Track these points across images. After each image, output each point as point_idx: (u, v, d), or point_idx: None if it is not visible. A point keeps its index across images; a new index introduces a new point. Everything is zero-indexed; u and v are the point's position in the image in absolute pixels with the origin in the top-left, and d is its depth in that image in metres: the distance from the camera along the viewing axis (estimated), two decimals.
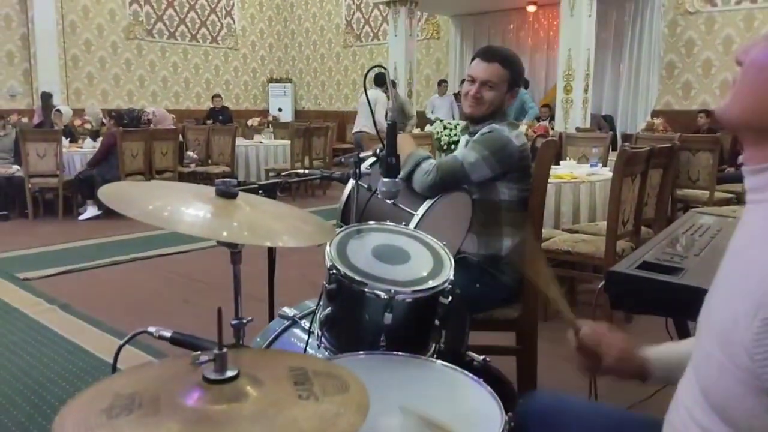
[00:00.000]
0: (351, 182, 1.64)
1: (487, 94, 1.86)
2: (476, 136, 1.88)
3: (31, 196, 5.62)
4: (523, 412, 1.05)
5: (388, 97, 7.44)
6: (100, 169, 5.73)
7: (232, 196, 1.02)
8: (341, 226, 1.45)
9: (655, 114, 7.64)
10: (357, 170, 1.53)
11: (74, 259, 4.21)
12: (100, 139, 6.38)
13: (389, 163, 1.47)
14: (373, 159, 1.67)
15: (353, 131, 7.23)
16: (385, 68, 1.71)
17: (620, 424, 1.01)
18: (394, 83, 8.09)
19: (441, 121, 4.68)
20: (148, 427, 0.62)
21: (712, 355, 0.68)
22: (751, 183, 0.71)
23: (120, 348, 1.31)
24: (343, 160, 1.68)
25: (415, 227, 1.55)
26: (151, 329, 1.27)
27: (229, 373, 0.68)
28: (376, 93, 6.66)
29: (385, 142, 1.46)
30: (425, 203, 1.67)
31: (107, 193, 0.99)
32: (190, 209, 0.96)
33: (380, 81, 6.88)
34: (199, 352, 0.68)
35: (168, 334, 1.27)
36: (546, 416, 1.05)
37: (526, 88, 7.89)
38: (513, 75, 1.88)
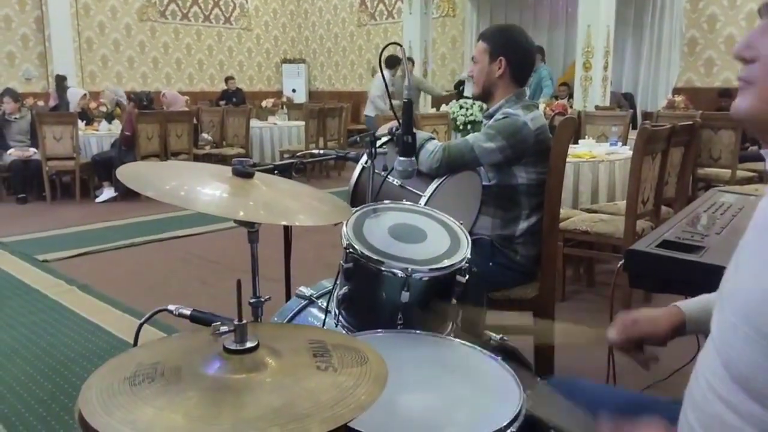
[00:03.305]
0: (361, 162, 1.64)
1: (475, 71, 1.95)
2: (491, 121, 1.88)
3: (48, 178, 5.69)
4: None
5: (402, 75, 7.33)
6: (118, 151, 5.79)
7: (249, 175, 1.02)
8: None
9: (676, 91, 7.45)
10: (372, 149, 1.52)
11: (92, 241, 4.27)
12: (116, 121, 6.42)
13: (406, 142, 1.46)
14: (386, 138, 1.66)
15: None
16: (400, 45, 1.69)
17: (635, 406, 1.01)
18: (411, 61, 7.96)
19: (457, 101, 4.63)
20: (170, 395, 0.63)
21: (738, 328, 0.68)
22: None
23: (141, 325, 1.32)
24: (358, 139, 1.66)
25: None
26: (171, 307, 1.28)
27: (249, 344, 0.69)
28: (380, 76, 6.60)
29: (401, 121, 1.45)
30: (432, 185, 1.66)
31: (125, 173, 0.99)
32: (207, 188, 0.97)
33: (390, 63, 6.80)
34: (219, 323, 0.69)
35: (188, 312, 1.28)
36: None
37: (544, 63, 7.73)
38: (492, 44, 1.90)
